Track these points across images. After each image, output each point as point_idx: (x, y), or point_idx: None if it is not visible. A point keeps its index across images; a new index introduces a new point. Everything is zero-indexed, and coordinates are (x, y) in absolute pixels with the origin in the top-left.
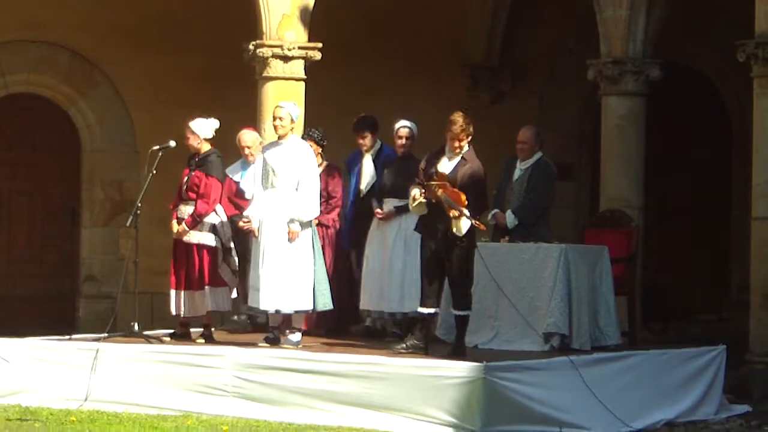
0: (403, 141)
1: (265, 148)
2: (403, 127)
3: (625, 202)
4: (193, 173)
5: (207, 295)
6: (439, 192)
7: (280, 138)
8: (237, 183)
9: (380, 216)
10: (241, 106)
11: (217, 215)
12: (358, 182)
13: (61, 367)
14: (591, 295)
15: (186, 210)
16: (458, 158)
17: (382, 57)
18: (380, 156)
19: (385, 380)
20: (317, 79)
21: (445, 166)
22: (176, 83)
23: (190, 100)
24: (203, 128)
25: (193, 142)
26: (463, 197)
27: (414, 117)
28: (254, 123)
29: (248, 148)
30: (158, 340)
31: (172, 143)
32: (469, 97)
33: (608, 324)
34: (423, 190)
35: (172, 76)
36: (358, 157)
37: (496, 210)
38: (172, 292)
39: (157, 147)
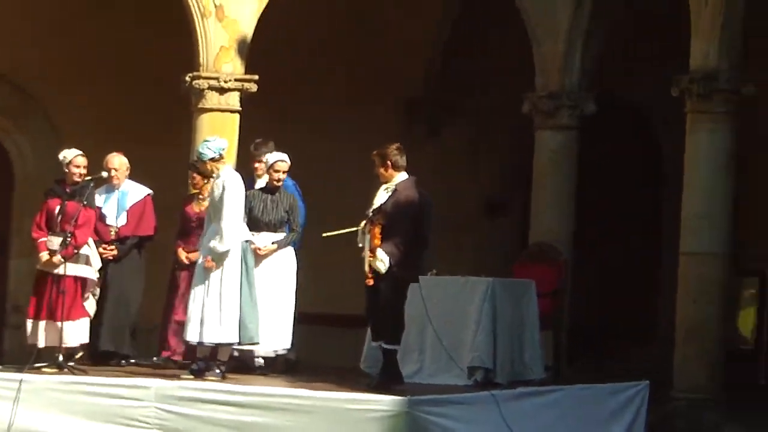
0: (280, 175)
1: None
2: (281, 161)
3: (555, 235)
4: (66, 203)
5: (73, 327)
6: (368, 231)
7: (212, 174)
8: (99, 208)
9: (261, 253)
10: (178, 139)
11: (89, 246)
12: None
13: None
14: (516, 330)
15: (56, 240)
16: (393, 189)
17: (318, 90)
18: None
19: (310, 413)
20: (253, 111)
21: (381, 196)
22: (113, 115)
23: (126, 132)
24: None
25: (82, 172)
26: (376, 241)
27: (350, 149)
28: (189, 155)
29: (115, 170)
30: (82, 371)
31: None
32: (403, 131)
33: (532, 358)
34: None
35: (109, 108)
36: (250, 183)
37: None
38: (30, 322)
39: (89, 178)
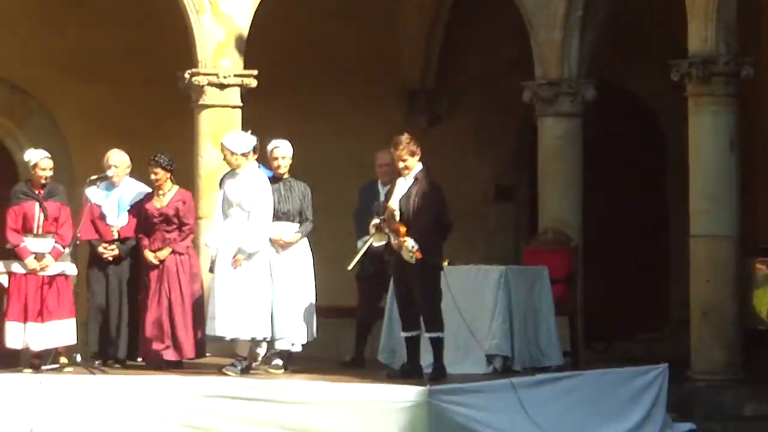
0: (280, 161)
1: (223, 178)
2: (277, 147)
3: (563, 222)
4: (44, 205)
5: (65, 327)
6: (385, 227)
7: (236, 168)
8: (99, 206)
9: (288, 240)
10: (178, 136)
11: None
12: None
13: (5, 401)
14: (531, 316)
15: (40, 243)
16: (411, 179)
17: (318, 82)
18: None
19: (330, 406)
20: (253, 106)
21: (401, 186)
22: (113, 113)
23: (127, 131)
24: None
25: (48, 175)
26: (403, 229)
27: (352, 141)
28: (192, 151)
29: (116, 167)
30: (101, 371)
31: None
32: (405, 120)
33: (549, 345)
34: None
35: (109, 106)
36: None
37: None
38: (13, 325)
39: (94, 177)
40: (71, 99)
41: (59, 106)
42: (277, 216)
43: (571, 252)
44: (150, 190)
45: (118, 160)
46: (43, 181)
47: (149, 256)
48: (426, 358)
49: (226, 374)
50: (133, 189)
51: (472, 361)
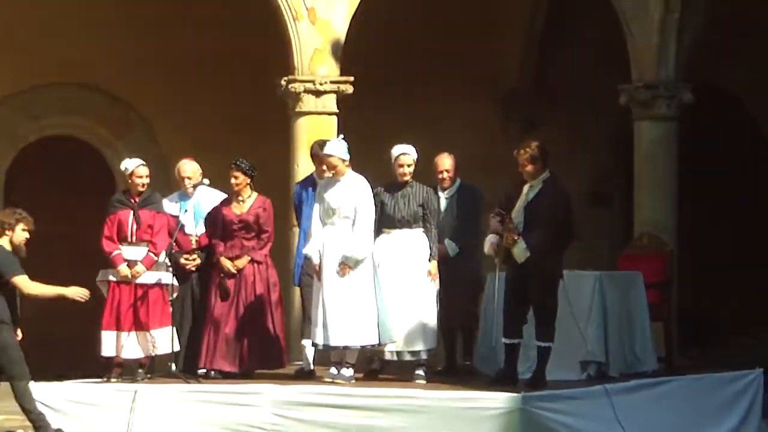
0: (405, 169)
1: (323, 185)
2: (404, 154)
3: (659, 226)
4: (138, 213)
5: (159, 335)
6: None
7: (337, 175)
8: (176, 217)
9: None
10: (276, 145)
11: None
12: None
13: (101, 410)
14: (626, 322)
15: (134, 251)
16: (539, 187)
17: (413, 88)
18: None
19: (423, 413)
20: (350, 113)
21: (527, 193)
22: (211, 124)
23: (226, 141)
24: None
25: (145, 182)
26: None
27: (448, 146)
28: (290, 159)
29: (189, 179)
30: (196, 379)
31: (206, 181)
32: (502, 125)
33: (644, 350)
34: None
35: (208, 117)
36: (313, 183)
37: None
38: (107, 334)
39: (192, 185)
40: (170, 109)
41: (157, 117)
42: (393, 224)
43: (666, 257)
44: (225, 196)
45: (189, 170)
46: (140, 189)
47: (227, 264)
48: (521, 364)
49: (336, 382)
50: (207, 196)
51: (566, 367)
